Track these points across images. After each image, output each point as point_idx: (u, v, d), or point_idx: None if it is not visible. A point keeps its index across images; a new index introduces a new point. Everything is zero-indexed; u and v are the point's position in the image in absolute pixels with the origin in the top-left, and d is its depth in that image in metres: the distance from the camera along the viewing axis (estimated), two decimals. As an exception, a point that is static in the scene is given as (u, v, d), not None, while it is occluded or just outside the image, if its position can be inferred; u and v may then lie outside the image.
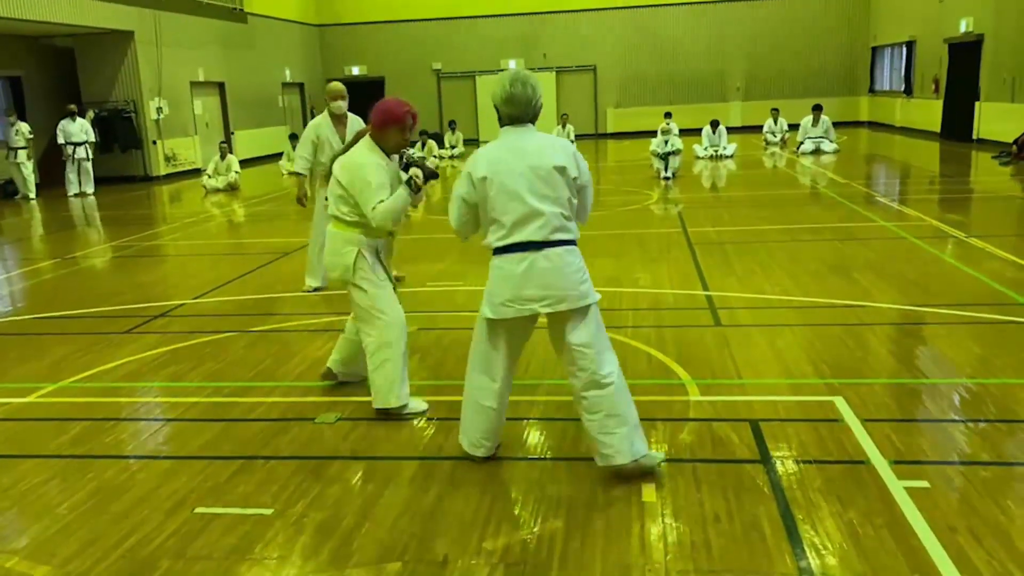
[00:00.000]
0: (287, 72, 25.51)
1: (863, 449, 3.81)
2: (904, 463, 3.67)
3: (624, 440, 3.54)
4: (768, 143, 20.69)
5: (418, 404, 4.46)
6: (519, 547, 3.14)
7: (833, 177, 14.45)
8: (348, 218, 4.34)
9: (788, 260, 7.87)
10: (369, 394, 4.68)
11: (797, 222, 10.05)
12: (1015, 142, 15.35)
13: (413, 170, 4.31)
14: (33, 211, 14.86)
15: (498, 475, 3.73)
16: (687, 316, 6.26)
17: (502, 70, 26.67)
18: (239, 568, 3.07)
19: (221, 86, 21.96)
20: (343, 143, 7.22)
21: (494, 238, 3.57)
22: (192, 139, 20.45)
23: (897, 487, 3.44)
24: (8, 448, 4.30)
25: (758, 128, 22.39)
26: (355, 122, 7.34)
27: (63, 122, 16.59)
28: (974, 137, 18.55)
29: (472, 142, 26.26)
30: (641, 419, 3.98)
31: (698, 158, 18.34)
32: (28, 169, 16.24)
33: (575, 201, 3.58)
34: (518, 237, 3.50)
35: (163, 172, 19.25)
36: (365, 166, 4.24)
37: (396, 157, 4.42)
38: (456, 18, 26.99)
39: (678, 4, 26.36)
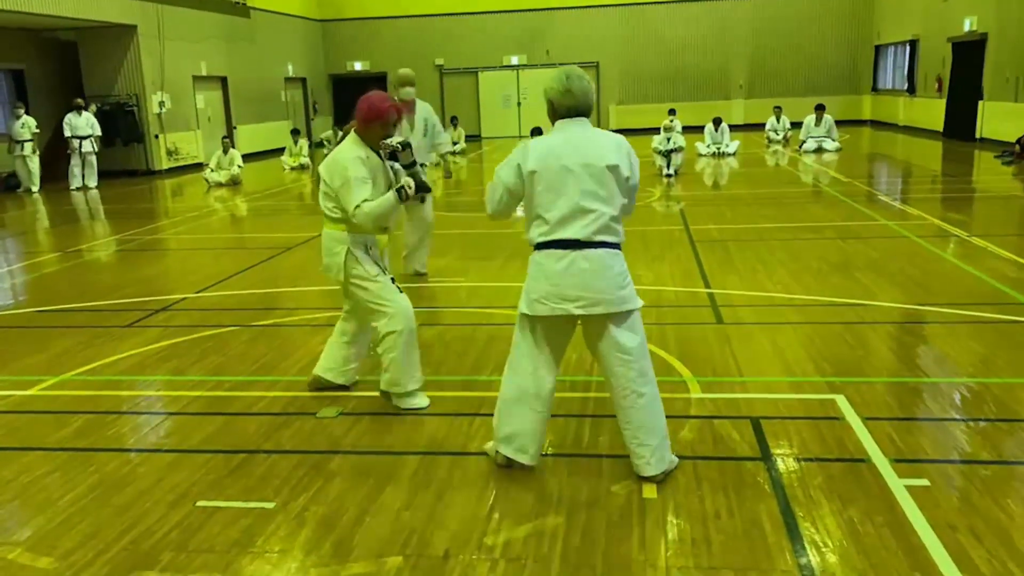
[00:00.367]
0: (289, 67, 25.50)
1: (864, 447, 3.82)
2: (905, 461, 3.67)
3: (655, 452, 3.52)
4: (771, 141, 20.67)
5: (420, 399, 4.47)
6: (520, 543, 3.15)
7: (835, 175, 14.44)
8: (333, 215, 4.32)
9: (790, 258, 7.87)
10: (370, 389, 4.70)
11: (799, 220, 10.05)
12: (1018, 141, 15.34)
13: (405, 179, 4.28)
14: (36, 204, 14.87)
15: (499, 471, 3.73)
16: (689, 314, 6.27)
17: (505, 66, 26.65)
18: (240, 561, 3.08)
19: (223, 80, 21.95)
20: (412, 130, 7.24)
21: (536, 233, 3.47)
22: (194, 133, 20.45)
23: (898, 485, 3.45)
24: (10, 441, 4.31)
25: (761, 126, 22.37)
26: (423, 108, 7.39)
27: (69, 115, 16.61)
28: (977, 136, 18.53)
29: (474, 138, 26.27)
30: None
31: (700, 155, 18.33)
32: (34, 163, 16.26)
33: (625, 202, 3.47)
34: (561, 234, 3.40)
35: (165, 166, 19.25)
36: (345, 160, 4.22)
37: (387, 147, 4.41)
38: (459, 14, 26.97)
39: (682, 1, 26.33)
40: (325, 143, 23.05)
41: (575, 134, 3.47)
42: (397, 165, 4.46)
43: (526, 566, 3.00)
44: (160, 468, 3.88)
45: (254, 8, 23.03)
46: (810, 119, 18.76)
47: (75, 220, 13.08)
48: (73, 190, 16.45)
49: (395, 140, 4.37)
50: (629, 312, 3.48)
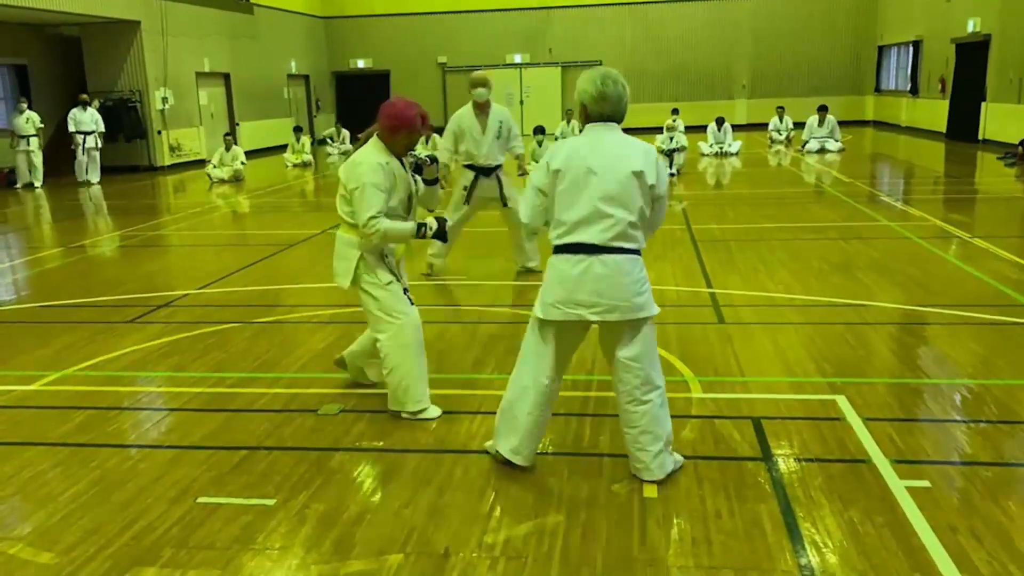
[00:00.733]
0: (292, 64, 25.50)
1: (864, 448, 3.82)
2: (905, 462, 3.67)
3: (655, 458, 3.51)
4: (773, 141, 20.67)
5: (432, 410, 4.34)
6: (520, 541, 3.15)
7: (838, 176, 14.43)
8: (349, 219, 4.21)
9: (791, 258, 7.87)
10: (372, 386, 4.70)
11: (801, 220, 10.05)
12: (1021, 143, 15.32)
13: (430, 220, 4.19)
14: (39, 200, 14.88)
15: (499, 469, 3.73)
16: (690, 313, 6.27)
17: (508, 64, 26.55)
18: (241, 558, 3.09)
19: (226, 77, 21.96)
20: (483, 132, 7.21)
21: (554, 234, 3.44)
22: (197, 130, 20.46)
23: (898, 486, 3.45)
24: (12, 436, 4.32)
25: (763, 126, 22.36)
26: (498, 111, 7.34)
27: (74, 111, 16.64)
28: (980, 138, 18.51)
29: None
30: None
31: (703, 155, 18.32)
32: (38, 157, 16.28)
33: (647, 211, 3.40)
34: (578, 237, 3.36)
35: (167, 162, 19.26)
36: (365, 164, 4.10)
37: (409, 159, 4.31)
38: (462, 12, 26.96)
39: (685, 0, 26.30)
40: (328, 140, 23.07)
41: (604, 139, 3.42)
42: (419, 178, 4.36)
43: (526, 564, 3.00)
44: (161, 464, 3.89)
45: (257, 5, 23.04)
46: (813, 120, 18.75)
47: (78, 215, 13.09)
48: (80, 182, 16.50)
49: (423, 153, 4.27)
50: (644, 319, 3.44)
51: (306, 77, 26.64)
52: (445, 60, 27.40)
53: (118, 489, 3.65)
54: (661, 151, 15.05)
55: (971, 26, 18.88)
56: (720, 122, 18.58)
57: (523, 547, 3.11)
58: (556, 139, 20.41)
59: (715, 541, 3.11)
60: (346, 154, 21.95)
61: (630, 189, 3.34)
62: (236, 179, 16.38)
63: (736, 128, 20.21)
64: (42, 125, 16.26)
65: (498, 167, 7.39)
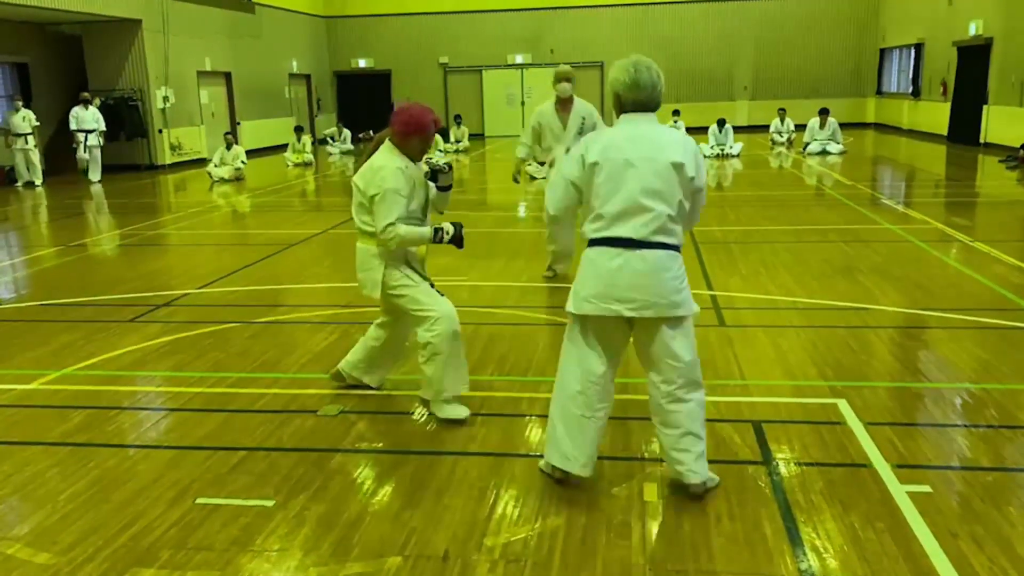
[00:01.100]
0: (294, 63, 25.50)
1: (865, 452, 3.81)
2: (906, 467, 3.66)
3: (698, 460, 3.38)
4: (774, 143, 20.67)
5: (460, 410, 4.26)
6: (520, 544, 3.14)
7: (839, 178, 14.42)
8: (368, 228, 4.18)
9: (793, 261, 7.86)
10: (372, 388, 4.69)
11: (802, 223, 10.04)
12: (1022, 146, 15.32)
13: (447, 225, 4.18)
14: (39, 198, 14.87)
15: (500, 472, 3.72)
16: (691, 315, 6.25)
17: (509, 65, 26.53)
18: (240, 559, 3.08)
19: (228, 76, 21.96)
20: (564, 128, 7.10)
21: (591, 228, 3.32)
22: (198, 129, 20.46)
23: (899, 491, 3.44)
24: (11, 435, 4.31)
25: (764, 128, 22.37)
26: (580, 105, 7.19)
27: (76, 109, 16.65)
28: (981, 141, 18.51)
29: (478, 136, 26.26)
30: (643, 419, 4.00)
31: (704, 156, 18.28)
32: (35, 155, 16.27)
33: (686, 204, 3.30)
34: (617, 231, 3.25)
35: (168, 161, 19.26)
36: (386, 170, 4.07)
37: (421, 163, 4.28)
38: (464, 12, 26.96)
39: (687, 2, 26.31)
40: (329, 140, 23.07)
41: (640, 129, 3.32)
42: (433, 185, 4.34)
43: (526, 567, 2.99)
44: (160, 464, 3.88)
45: (259, 4, 23.04)
46: (814, 122, 18.75)
47: (78, 214, 13.09)
48: (81, 180, 16.50)
49: (440, 160, 4.21)
50: (683, 317, 3.34)
51: (307, 77, 26.64)
52: (446, 60, 27.40)
53: (117, 489, 3.64)
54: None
55: (973, 29, 18.87)
56: (721, 123, 18.58)
57: (523, 550, 3.10)
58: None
59: (715, 545, 3.10)
60: (347, 153, 22.00)
61: (670, 182, 3.24)
62: (237, 178, 16.37)
63: (737, 130, 20.21)
64: (38, 123, 16.25)
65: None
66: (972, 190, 13.41)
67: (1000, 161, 15.45)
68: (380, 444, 4.09)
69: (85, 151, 16.64)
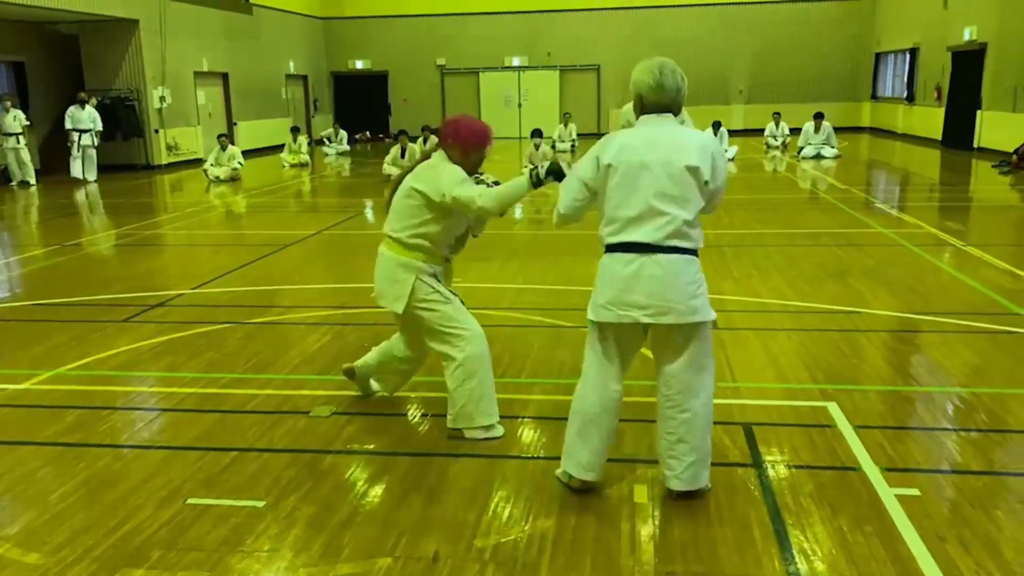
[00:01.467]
0: (291, 64, 25.48)
1: (855, 455, 3.82)
2: (895, 470, 3.68)
3: (688, 469, 3.36)
4: (769, 147, 20.71)
5: (496, 430, 4.09)
6: (510, 545, 3.15)
7: (833, 182, 14.46)
8: (405, 238, 3.97)
9: (785, 264, 7.88)
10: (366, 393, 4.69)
11: (795, 226, 10.06)
12: (1015, 152, 15.37)
13: (542, 164, 3.85)
14: (33, 198, 14.85)
15: (490, 473, 3.73)
16: (684, 318, 6.26)
17: (506, 67, 26.46)
18: (230, 560, 3.08)
19: (224, 76, 21.94)
20: None
21: (606, 232, 3.29)
22: (195, 129, 20.44)
23: (888, 494, 3.46)
24: (3, 435, 4.31)
25: (760, 131, 22.40)
26: None
27: (72, 108, 16.62)
28: (975, 146, 18.57)
29: (474, 138, 26.21)
30: (635, 421, 4.02)
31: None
32: (25, 154, 16.21)
33: (703, 204, 3.26)
34: (631, 236, 3.22)
35: (165, 161, 19.24)
36: (449, 166, 3.93)
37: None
38: (461, 14, 26.97)
39: (683, 5, 26.35)
40: (325, 141, 23.06)
41: (659, 131, 3.29)
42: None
43: (516, 569, 3.00)
44: (152, 465, 3.88)
45: (256, 5, 23.02)
46: (809, 126, 18.79)
47: (73, 214, 13.07)
48: (76, 180, 16.47)
49: (490, 179, 4.09)
50: (700, 324, 3.29)
51: (304, 77, 26.63)
52: (443, 62, 27.41)
53: (108, 489, 3.64)
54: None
55: (967, 34, 18.94)
56: (716, 126, 18.59)
57: (513, 552, 3.11)
58: (553, 142, 20.44)
59: (704, 547, 3.11)
60: (343, 154, 22.01)
61: (685, 186, 3.20)
62: (233, 179, 16.36)
63: (732, 133, 20.22)
64: (28, 123, 16.21)
65: None
66: (965, 195, 13.46)
67: (993, 166, 15.50)
68: (372, 445, 4.09)
69: (78, 150, 16.61)
